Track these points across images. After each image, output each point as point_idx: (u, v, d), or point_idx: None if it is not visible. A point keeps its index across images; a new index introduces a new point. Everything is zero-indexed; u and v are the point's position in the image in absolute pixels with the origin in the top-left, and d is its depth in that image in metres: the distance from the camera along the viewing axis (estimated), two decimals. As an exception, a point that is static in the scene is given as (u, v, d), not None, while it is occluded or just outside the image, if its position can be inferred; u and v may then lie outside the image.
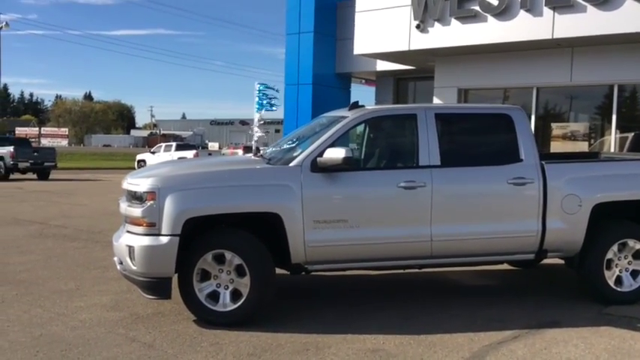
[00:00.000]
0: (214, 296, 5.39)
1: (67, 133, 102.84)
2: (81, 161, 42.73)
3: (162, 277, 5.24)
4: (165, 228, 5.19)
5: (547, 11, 10.43)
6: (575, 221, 6.06)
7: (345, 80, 17.49)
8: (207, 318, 5.38)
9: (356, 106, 6.27)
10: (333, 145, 5.69)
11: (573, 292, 6.66)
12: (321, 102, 15.44)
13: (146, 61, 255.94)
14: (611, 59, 10.95)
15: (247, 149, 29.06)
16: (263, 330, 5.24)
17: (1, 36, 42.43)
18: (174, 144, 35.62)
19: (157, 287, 5.29)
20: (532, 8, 10.54)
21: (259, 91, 15.86)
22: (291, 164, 5.66)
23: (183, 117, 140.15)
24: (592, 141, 11.87)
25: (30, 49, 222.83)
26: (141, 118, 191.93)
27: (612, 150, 11.15)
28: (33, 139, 59.87)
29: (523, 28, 10.72)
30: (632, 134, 11.57)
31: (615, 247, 6.22)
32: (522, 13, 10.67)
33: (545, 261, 6.50)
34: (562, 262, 6.62)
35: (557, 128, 11.99)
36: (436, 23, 11.73)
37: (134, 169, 24.85)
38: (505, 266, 7.65)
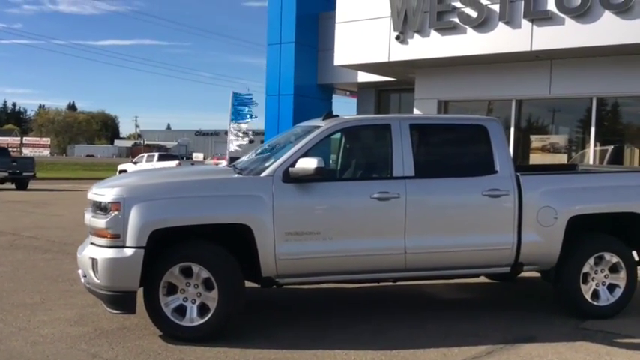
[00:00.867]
0: (181, 310, 5.22)
1: (49, 143, 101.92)
2: (62, 171, 42.19)
3: (126, 290, 5.07)
4: (130, 240, 5.02)
5: (525, 23, 10.43)
6: (550, 234, 5.98)
7: (327, 91, 17.40)
8: (174, 333, 5.21)
9: (330, 115, 6.16)
10: (305, 155, 5.57)
11: (550, 306, 6.58)
12: (302, 113, 15.29)
13: (131, 72, 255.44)
14: (589, 72, 10.96)
15: (233, 160, 28.85)
16: (231, 345, 5.09)
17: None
18: (156, 154, 35.30)
19: (121, 301, 5.11)
20: (511, 20, 10.53)
21: (235, 99, 15.67)
22: (262, 174, 5.54)
23: (168, 128, 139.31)
24: (572, 154, 11.88)
25: (14, 59, 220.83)
26: (125, 128, 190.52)
27: (591, 162, 11.15)
28: (14, 149, 59.22)
29: (502, 40, 10.71)
30: (612, 147, 11.61)
31: (591, 261, 6.15)
32: (501, 25, 10.66)
33: (524, 274, 6.42)
34: (540, 275, 6.53)
35: (536, 140, 11.98)
36: (416, 35, 11.69)
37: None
38: (482, 279, 7.54)
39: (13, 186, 24.45)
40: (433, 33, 11.54)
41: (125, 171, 31.88)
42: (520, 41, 10.54)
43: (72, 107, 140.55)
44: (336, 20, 13.13)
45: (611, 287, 6.24)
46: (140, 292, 5.18)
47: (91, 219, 5.32)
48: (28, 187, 24.57)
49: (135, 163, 34.06)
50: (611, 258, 6.19)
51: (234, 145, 15.67)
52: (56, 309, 6.14)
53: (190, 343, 5.11)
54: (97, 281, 5.11)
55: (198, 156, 70.62)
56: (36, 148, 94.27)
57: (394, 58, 12.17)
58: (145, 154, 35.84)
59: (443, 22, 11.37)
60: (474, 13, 10.95)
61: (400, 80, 14.60)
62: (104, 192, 5.27)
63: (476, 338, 5.47)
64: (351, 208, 5.71)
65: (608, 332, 5.72)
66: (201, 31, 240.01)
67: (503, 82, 11.90)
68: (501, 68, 11.83)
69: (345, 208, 5.69)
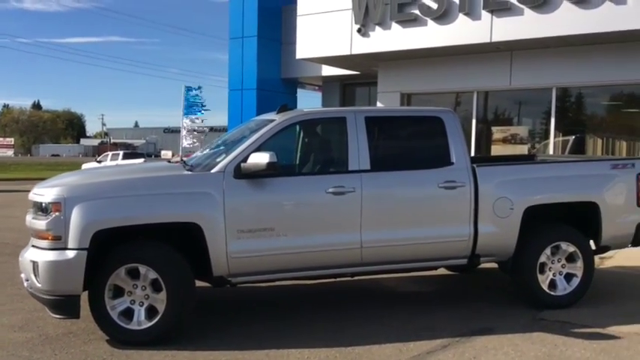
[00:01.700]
0: (128, 314, 5.04)
1: (12, 143, 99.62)
2: (25, 172, 41.12)
3: (69, 294, 4.86)
4: (72, 241, 4.81)
5: (485, 15, 10.40)
6: (507, 225, 5.94)
7: (292, 85, 17.22)
8: (121, 337, 5.02)
9: (285, 109, 6.01)
10: (258, 149, 5.42)
11: (510, 297, 6.54)
12: (266, 107, 15.04)
13: (98, 69, 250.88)
14: (549, 62, 10.99)
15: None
16: (181, 348, 4.92)
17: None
18: (121, 153, 34.73)
19: (64, 306, 4.90)
20: (471, 12, 10.50)
21: (187, 94, 15.40)
22: (212, 170, 5.37)
23: (136, 125, 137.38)
24: (534, 144, 11.93)
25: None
26: (92, 126, 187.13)
27: (552, 153, 11.20)
28: (-25, 150, 57.63)
29: (462, 31, 10.67)
30: (574, 137, 11.69)
31: (548, 251, 6.13)
32: (461, 16, 10.62)
33: (485, 265, 6.37)
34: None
35: (497, 132, 12.00)
36: (377, 27, 11.60)
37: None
38: (442, 271, 7.49)
39: (-28, 187, 23.75)
40: (394, 25, 11.45)
41: (89, 170, 31.25)
42: (480, 33, 10.52)
43: (37, 106, 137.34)
44: (298, 13, 12.96)
45: (569, 277, 6.23)
46: (85, 295, 4.98)
47: (31, 220, 5.09)
48: (-13, 189, 23.88)
49: (99, 161, 33.43)
50: (568, 247, 6.18)
51: (187, 141, 15.36)
52: (1, 314, 5.89)
53: (138, 347, 4.93)
54: (39, 285, 4.89)
55: (167, 153, 69.55)
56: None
57: (356, 51, 12.06)
58: (110, 153, 35.27)
59: (404, 14, 11.29)
60: (434, 5, 10.89)
61: (364, 74, 14.51)
62: (44, 192, 5.04)
63: (432, 332, 5.40)
64: (305, 204, 5.58)
65: (565, 322, 5.70)
66: (170, 27, 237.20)
67: (464, 74, 11.89)
68: (463, 60, 11.81)
69: (300, 204, 5.57)
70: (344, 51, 12.23)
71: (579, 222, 6.40)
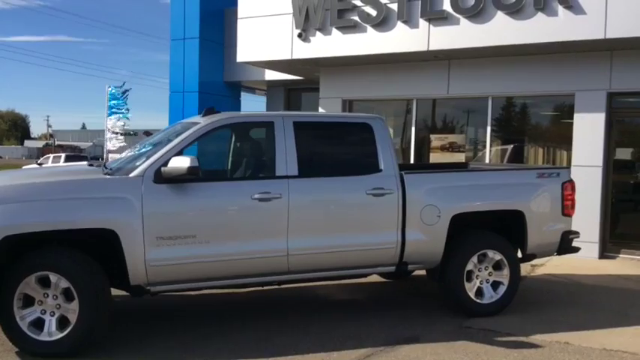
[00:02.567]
0: (39, 324, 4.79)
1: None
2: (-41, 173, 39.45)
3: (-28, 304, 4.57)
4: (-24, 248, 4.53)
5: (423, 23, 10.47)
6: (434, 232, 5.94)
7: (235, 89, 17.00)
8: (31, 349, 4.77)
9: (210, 112, 5.86)
10: (180, 153, 5.25)
11: (440, 304, 6.55)
12: (207, 111, 14.87)
13: (43, 69, 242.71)
14: (485, 72, 11.15)
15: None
16: (94, 360, 4.70)
17: None
18: (63, 155, 33.78)
19: (-33, 316, 4.61)
20: (409, 20, 10.55)
21: (111, 95, 14.98)
22: (131, 174, 5.16)
23: (84, 127, 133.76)
24: (475, 153, 12.07)
25: None
26: (37, 128, 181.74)
27: (487, 161, 11.36)
28: None
29: (401, 39, 10.71)
30: (512, 146, 11.88)
31: (475, 259, 6.16)
32: (400, 24, 10.66)
33: (417, 272, 6.34)
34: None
35: (436, 140, 12.10)
36: (318, 33, 11.53)
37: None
38: (375, 278, 7.46)
39: None
40: (335, 31, 11.41)
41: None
42: (418, 41, 10.58)
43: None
44: (238, 16, 12.78)
45: (495, 285, 6.28)
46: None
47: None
48: None
49: (40, 164, 32.37)
50: (495, 255, 6.22)
51: (111, 143, 14.88)
52: None
53: (49, 359, 4.69)
54: (-61, 295, 4.58)
55: (114, 157, 68.12)
56: None
57: (297, 56, 11.97)
58: (52, 155, 34.22)
59: (344, 20, 11.27)
60: (373, 12, 10.91)
61: (309, 79, 14.43)
62: (-53, 196, 4.74)
63: (358, 341, 5.34)
64: (230, 210, 5.44)
65: (490, 330, 5.72)
66: (119, 28, 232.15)
67: (404, 82, 11.94)
68: (403, 67, 11.87)
69: (224, 210, 5.42)
70: (285, 55, 12.12)
71: (506, 230, 6.47)
